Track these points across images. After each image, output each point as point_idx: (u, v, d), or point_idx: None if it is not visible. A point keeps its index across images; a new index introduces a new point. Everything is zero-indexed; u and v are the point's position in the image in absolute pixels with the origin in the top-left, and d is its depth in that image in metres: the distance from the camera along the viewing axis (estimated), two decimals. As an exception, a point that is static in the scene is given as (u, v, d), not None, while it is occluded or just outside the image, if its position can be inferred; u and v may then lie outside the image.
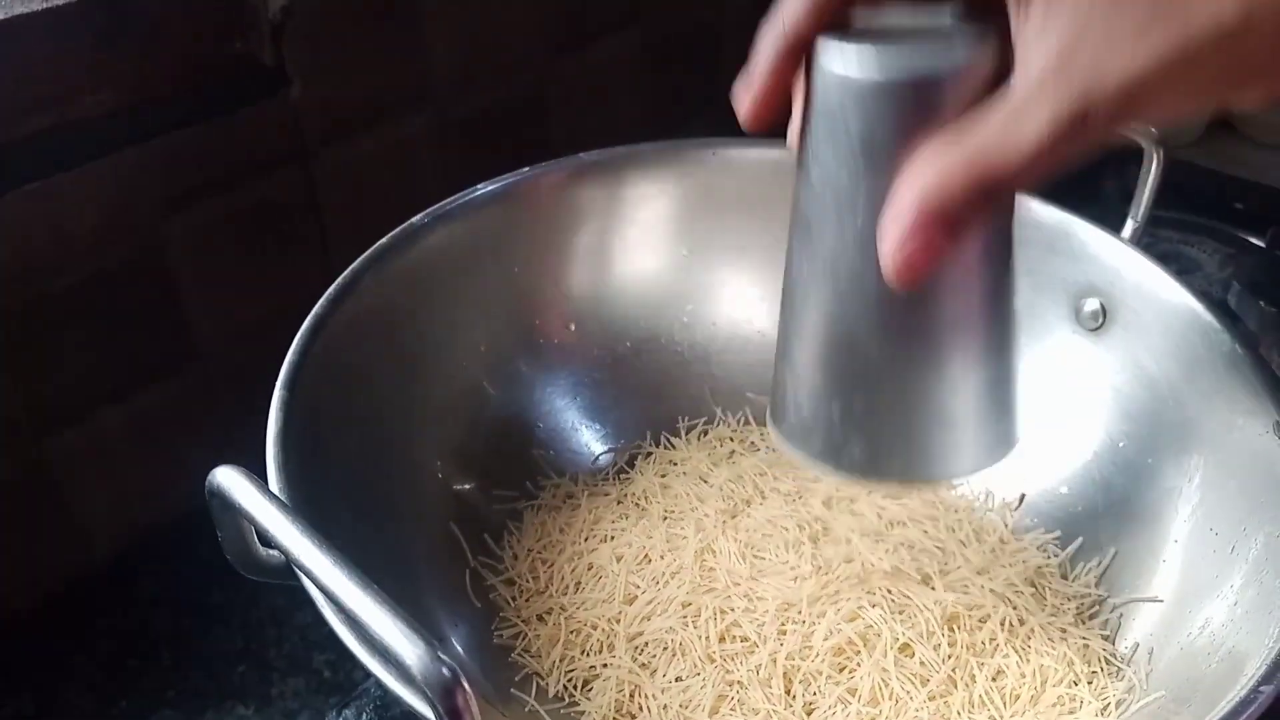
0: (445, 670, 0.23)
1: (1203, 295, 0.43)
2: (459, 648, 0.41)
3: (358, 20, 0.57)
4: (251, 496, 0.27)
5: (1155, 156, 0.46)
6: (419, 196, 0.50)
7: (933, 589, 0.43)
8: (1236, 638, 0.34)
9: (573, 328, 0.53)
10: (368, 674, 0.50)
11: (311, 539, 0.25)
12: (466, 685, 0.23)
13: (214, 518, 0.30)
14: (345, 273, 0.43)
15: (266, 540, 0.30)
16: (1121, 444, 0.46)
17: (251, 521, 0.27)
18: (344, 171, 0.59)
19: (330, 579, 0.25)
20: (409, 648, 0.23)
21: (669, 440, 0.54)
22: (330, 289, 0.42)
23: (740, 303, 0.55)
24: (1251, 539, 0.37)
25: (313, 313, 0.41)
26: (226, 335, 0.57)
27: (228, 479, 0.27)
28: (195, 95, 0.52)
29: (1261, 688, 0.29)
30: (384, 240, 0.45)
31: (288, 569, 0.31)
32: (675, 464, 0.52)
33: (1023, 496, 0.49)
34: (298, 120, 0.56)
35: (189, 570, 0.56)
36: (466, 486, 0.46)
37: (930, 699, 0.39)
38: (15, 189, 0.47)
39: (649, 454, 0.54)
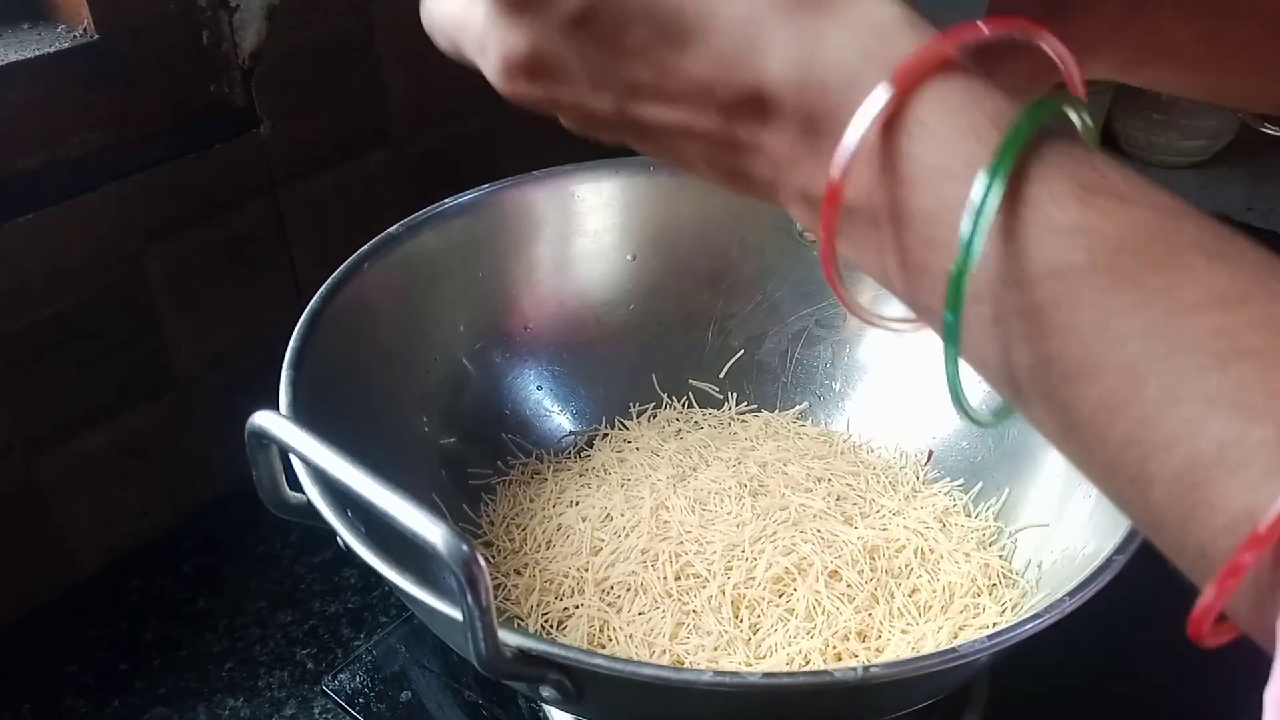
0: (465, 546, 0.28)
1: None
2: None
3: (320, 65, 0.61)
4: (288, 430, 0.32)
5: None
6: (380, 226, 0.54)
7: (855, 527, 0.50)
8: (1093, 538, 0.42)
9: (530, 326, 0.59)
10: (347, 655, 0.55)
11: (340, 456, 0.31)
12: (480, 559, 0.29)
13: (250, 459, 0.35)
14: (335, 273, 0.49)
15: (292, 482, 0.35)
16: (1010, 400, 0.54)
17: (287, 448, 0.32)
18: (310, 204, 0.63)
19: (360, 485, 0.30)
20: (434, 529, 0.29)
21: (623, 423, 0.61)
22: (323, 286, 0.48)
23: (679, 300, 0.62)
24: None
25: (309, 306, 0.46)
26: (204, 359, 0.61)
27: (265, 419, 0.33)
28: (173, 134, 0.56)
29: (1115, 556, 0.36)
30: (366, 246, 0.51)
31: (311, 509, 0.36)
32: (629, 441, 0.59)
33: (930, 453, 0.57)
34: (267, 157, 0.60)
35: (174, 582, 0.60)
36: (451, 440, 0.51)
37: (856, 613, 0.46)
38: (9, 222, 0.51)
39: (606, 435, 0.60)
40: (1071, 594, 0.35)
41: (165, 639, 0.57)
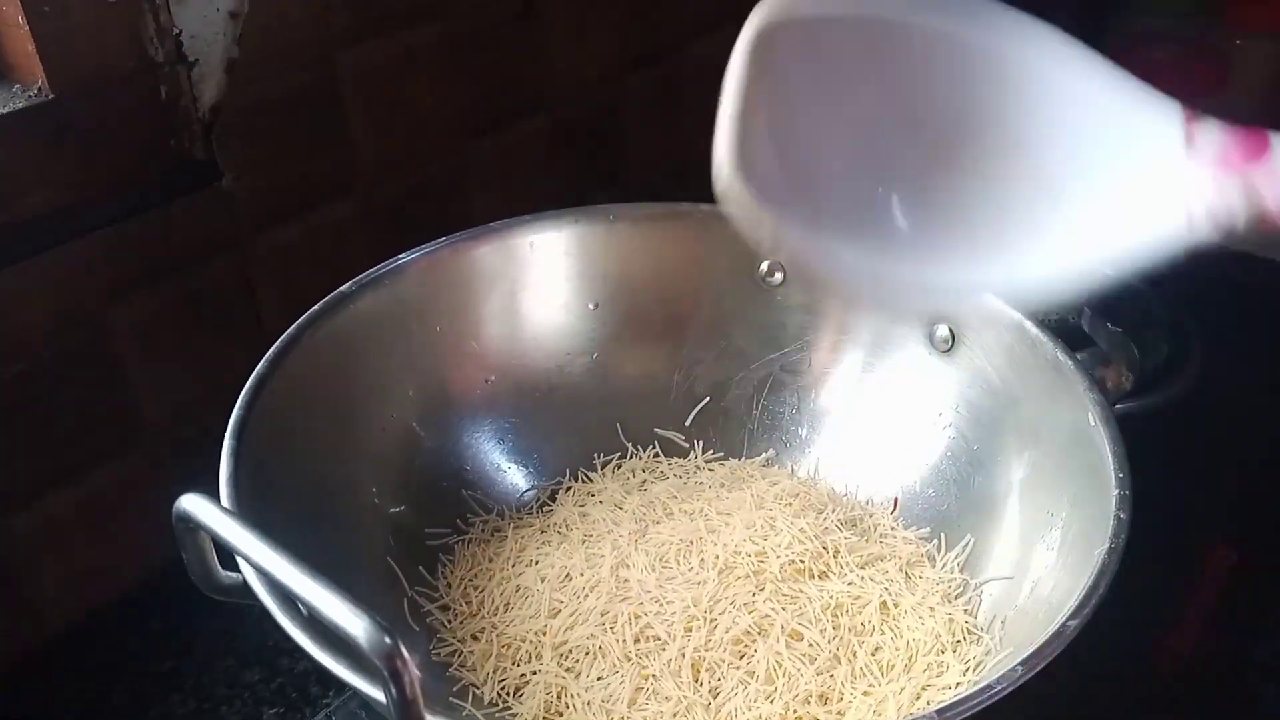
0: (387, 639, 0.28)
1: (1030, 313, 0.51)
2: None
3: (282, 115, 0.61)
4: (213, 514, 0.32)
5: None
6: (350, 276, 0.54)
7: (818, 583, 0.49)
8: (1055, 591, 0.41)
9: (492, 379, 0.58)
10: (314, 714, 0.54)
11: (265, 543, 0.30)
12: (404, 651, 0.28)
13: (178, 541, 0.34)
14: (283, 335, 0.48)
15: (225, 560, 0.34)
16: (975, 447, 0.53)
17: (213, 535, 0.31)
18: (276, 256, 0.63)
19: (283, 573, 0.29)
20: (355, 622, 0.28)
21: (586, 475, 0.60)
22: (271, 349, 0.47)
23: (642, 348, 0.61)
24: (1061, 511, 0.44)
25: (257, 369, 0.46)
26: (171, 416, 0.60)
27: (192, 504, 0.32)
28: (134, 190, 0.56)
29: (1069, 622, 0.36)
30: (316, 306, 0.50)
31: (245, 588, 0.36)
32: (593, 495, 0.58)
33: (896, 501, 0.56)
34: (231, 210, 0.60)
35: (141, 641, 0.59)
36: (401, 508, 0.51)
37: (818, 674, 0.45)
38: (-32, 283, 0.50)
39: (569, 488, 0.59)
40: (1025, 663, 0.34)
41: (133, 699, 0.57)
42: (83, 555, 0.59)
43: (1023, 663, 0.34)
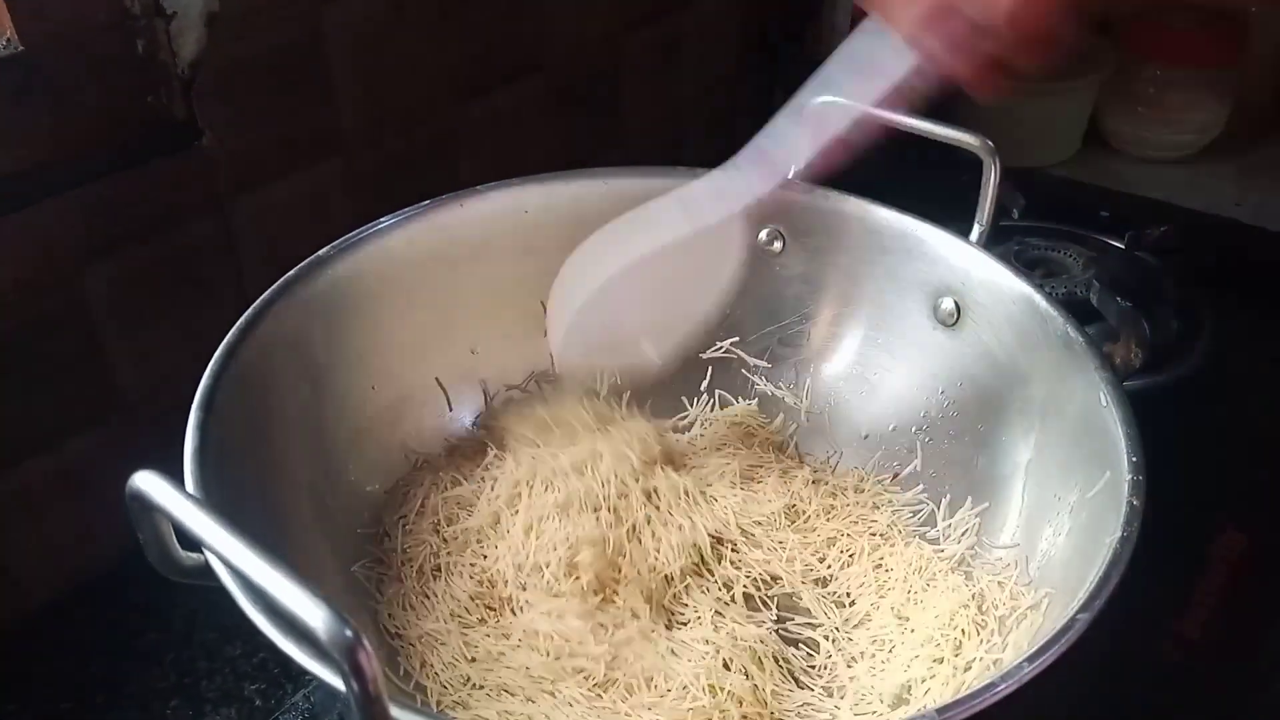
0: (348, 632, 0.26)
1: (1038, 285, 0.49)
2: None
3: (265, 72, 0.59)
4: (168, 494, 0.30)
5: (993, 166, 0.51)
6: (333, 239, 0.52)
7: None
8: (1063, 582, 0.39)
9: (477, 350, 0.56)
10: (295, 691, 0.53)
11: (224, 526, 0.28)
12: (367, 645, 0.26)
13: (133, 521, 0.33)
14: (258, 300, 0.46)
15: (184, 541, 0.32)
16: (980, 426, 0.51)
17: (169, 517, 0.29)
18: (259, 218, 0.61)
19: (242, 560, 0.28)
20: (316, 614, 0.26)
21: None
22: (243, 316, 0.45)
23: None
24: (1070, 496, 0.42)
25: (227, 338, 0.44)
26: (150, 382, 0.59)
27: (146, 482, 0.30)
28: (110, 149, 0.54)
29: (1079, 615, 0.34)
30: (292, 271, 0.48)
31: (206, 569, 0.34)
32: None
33: (895, 474, 0.54)
34: (211, 170, 0.58)
35: (122, 613, 0.58)
36: (376, 486, 0.49)
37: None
38: (-63, 245, 0.48)
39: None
40: (1030, 659, 0.33)
41: (111, 674, 0.55)
42: (60, 525, 0.58)
43: (1028, 659, 0.33)
